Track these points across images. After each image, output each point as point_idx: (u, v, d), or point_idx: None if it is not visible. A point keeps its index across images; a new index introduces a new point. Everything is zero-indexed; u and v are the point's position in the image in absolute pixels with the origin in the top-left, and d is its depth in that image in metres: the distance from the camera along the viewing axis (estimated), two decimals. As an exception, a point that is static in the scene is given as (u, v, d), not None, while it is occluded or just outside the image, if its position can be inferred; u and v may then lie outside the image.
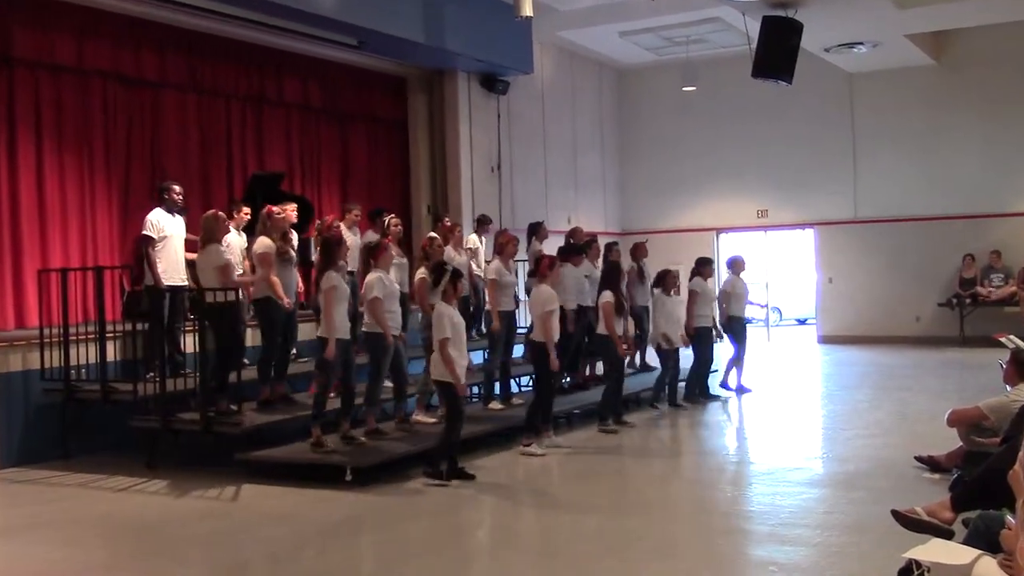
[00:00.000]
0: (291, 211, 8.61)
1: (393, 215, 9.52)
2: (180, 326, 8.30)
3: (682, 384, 10.64)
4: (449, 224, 10.49)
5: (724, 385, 11.16)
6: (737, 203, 18.36)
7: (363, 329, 7.65)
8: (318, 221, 9.62)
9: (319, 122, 13.07)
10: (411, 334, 9.08)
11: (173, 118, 11.02)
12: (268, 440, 7.70)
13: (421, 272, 8.22)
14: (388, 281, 7.62)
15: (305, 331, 9.26)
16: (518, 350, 11.30)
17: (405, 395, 8.12)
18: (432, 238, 8.72)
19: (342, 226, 9.09)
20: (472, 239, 11.39)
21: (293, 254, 8.25)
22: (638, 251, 11.52)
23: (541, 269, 8.21)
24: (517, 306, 9.65)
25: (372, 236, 9.28)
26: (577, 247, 10.49)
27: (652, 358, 11.01)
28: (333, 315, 7.12)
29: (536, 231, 11.20)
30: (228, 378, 7.60)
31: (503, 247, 9.07)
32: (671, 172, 18.82)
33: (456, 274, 6.94)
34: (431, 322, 7.01)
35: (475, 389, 10.40)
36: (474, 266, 10.80)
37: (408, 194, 14.39)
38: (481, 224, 11.80)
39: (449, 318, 6.65)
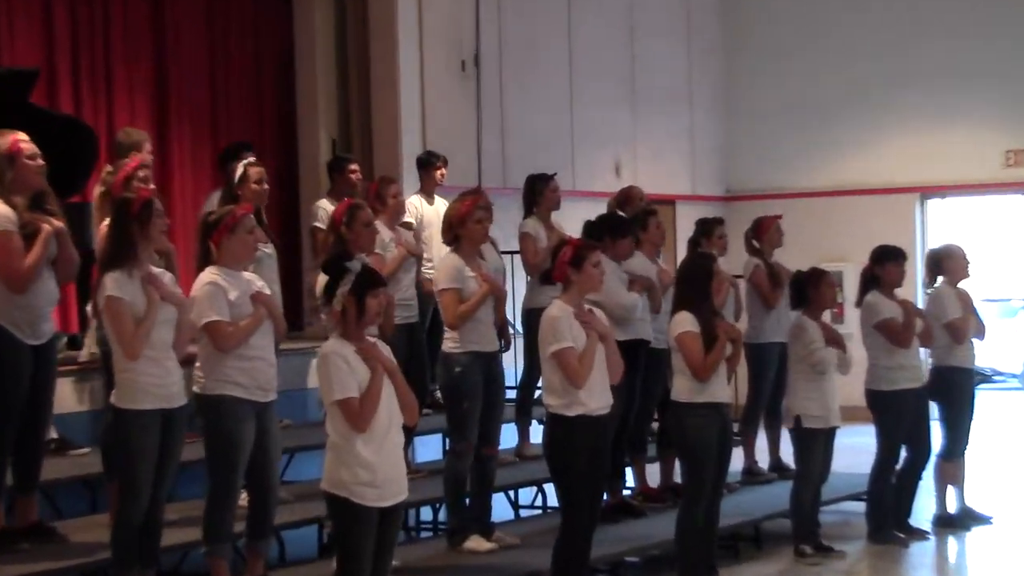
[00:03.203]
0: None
1: (252, 159, 9.89)
2: None
3: (855, 504, 10.95)
4: (367, 180, 10.78)
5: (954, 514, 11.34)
6: (961, 142, 18.49)
7: (195, 389, 8.01)
8: (106, 168, 9.84)
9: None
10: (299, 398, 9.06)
11: None
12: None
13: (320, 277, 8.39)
14: (243, 289, 7.99)
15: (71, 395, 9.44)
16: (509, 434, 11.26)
17: (271, 515, 8.28)
18: (355, 207, 9.16)
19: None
20: (412, 203, 11.87)
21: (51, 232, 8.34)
22: (762, 233, 11.93)
23: (558, 267, 8.50)
24: (506, 343, 10.05)
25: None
26: (620, 222, 10.83)
27: (787, 451, 11.21)
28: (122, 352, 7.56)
29: (538, 192, 11.44)
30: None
31: (460, 223, 9.34)
32: (825, 83, 18.99)
33: (370, 281, 7.13)
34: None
35: (426, 513, 10.58)
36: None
37: (293, 118, 14.57)
38: (427, 169, 12.13)
39: (349, 370, 6.97)
